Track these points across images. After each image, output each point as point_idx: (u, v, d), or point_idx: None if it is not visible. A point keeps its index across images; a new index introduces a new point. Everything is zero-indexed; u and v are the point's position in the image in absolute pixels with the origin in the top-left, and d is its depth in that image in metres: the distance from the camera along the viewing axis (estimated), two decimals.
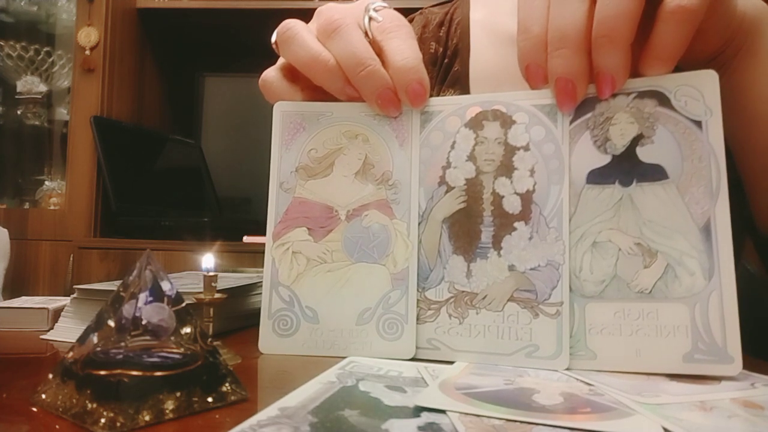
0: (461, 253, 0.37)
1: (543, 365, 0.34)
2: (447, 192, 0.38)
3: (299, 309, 0.39)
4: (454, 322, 0.37)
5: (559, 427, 0.23)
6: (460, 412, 0.24)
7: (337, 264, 0.39)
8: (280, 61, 0.42)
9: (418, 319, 0.37)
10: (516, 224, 0.36)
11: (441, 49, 0.66)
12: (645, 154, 0.35)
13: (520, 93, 0.37)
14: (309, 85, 0.40)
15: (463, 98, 0.39)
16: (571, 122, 0.36)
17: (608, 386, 0.28)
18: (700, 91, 0.34)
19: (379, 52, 0.37)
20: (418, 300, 0.37)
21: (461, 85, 0.63)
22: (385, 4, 0.39)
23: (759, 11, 0.39)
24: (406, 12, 0.75)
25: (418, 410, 0.24)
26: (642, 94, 0.35)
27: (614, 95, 0.35)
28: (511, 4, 0.68)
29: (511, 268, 0.36)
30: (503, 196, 0.37)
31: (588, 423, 0.23)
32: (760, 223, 0.45)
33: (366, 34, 0.38)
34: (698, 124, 0.34)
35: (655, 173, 0.35)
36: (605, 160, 0.35)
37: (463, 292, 0.37)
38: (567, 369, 0.33)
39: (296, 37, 0.38)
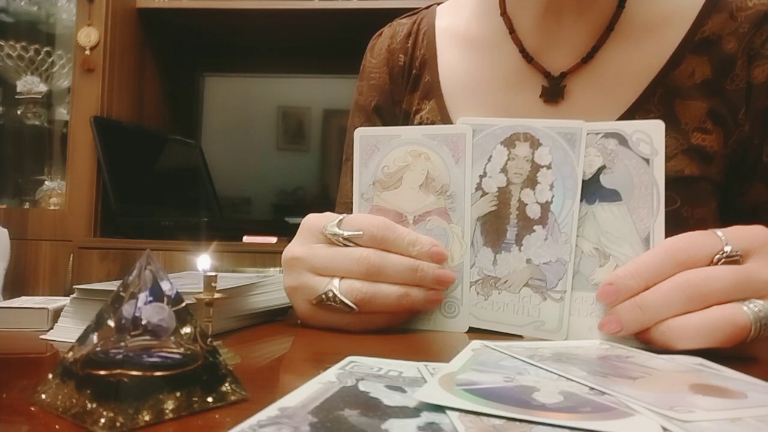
0: (490, 245, 0.46)
1: (547, 336, 0.44)
2: (482, 197, 0.46)
3: None
4: (480, 298, 0.46)
5: (559, 427, 0.23)
6: (460, 410, 0.24)
7: None
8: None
9: None
10: (535, 227, 0.45)
11: (408, 60, 0.70)
12: (606, 180, 0.44)
13: (548, 121, 0.45)
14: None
15: (501, 120, 0.46)
16: None
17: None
18: (650, 136, 0.43)
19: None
20: None
21: (435, 96, 0.66)
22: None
23: None
24: (400, 12, 0.75)
25: (418, 410, 0.24)
26: (607, 135, 0.44)
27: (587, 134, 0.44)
28: (472, 8, 0.68)
29: (528, 261, 0.45)
30: (527, 204, 0.45)
31: (588, 423, 0.23)
32: None
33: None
34: (647, 161, 0.43)
35: (613, 196, 0.44)
36: None
37: (489, 276, 0.46)
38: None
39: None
